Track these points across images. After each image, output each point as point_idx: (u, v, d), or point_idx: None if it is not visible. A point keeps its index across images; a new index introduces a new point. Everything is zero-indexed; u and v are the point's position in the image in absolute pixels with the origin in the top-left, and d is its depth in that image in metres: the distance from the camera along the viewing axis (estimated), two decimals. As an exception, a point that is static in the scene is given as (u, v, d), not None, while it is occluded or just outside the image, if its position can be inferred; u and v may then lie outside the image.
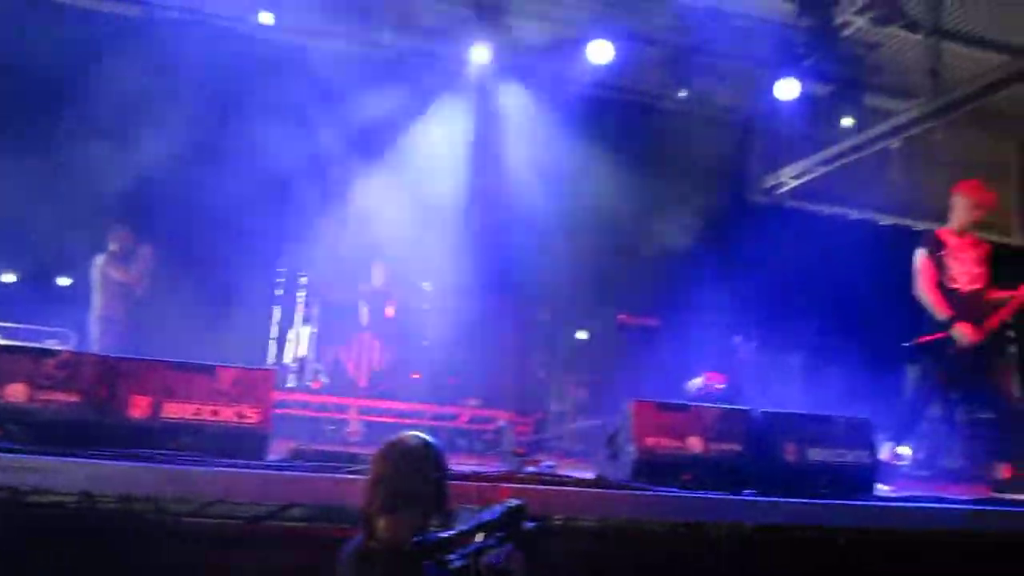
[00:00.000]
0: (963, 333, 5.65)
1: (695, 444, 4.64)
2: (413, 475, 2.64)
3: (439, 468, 2.71)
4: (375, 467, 2.69)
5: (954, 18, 9.14)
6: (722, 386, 8.19)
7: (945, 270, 5.88)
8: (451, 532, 2.70)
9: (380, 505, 2.60)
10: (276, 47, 8.51)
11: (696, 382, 8.35)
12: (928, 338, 5.88)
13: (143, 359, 4.16)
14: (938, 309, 5.79)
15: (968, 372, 5.81)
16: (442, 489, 2.70)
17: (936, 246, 5.94)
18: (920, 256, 5.96)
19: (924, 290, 5.89)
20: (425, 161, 9.11)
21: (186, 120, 7.79)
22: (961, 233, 6.01)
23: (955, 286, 5.86)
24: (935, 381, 5.99)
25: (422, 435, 2.77)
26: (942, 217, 11.09)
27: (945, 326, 5.73)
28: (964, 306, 5.78)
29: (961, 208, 6.03)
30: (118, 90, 7.68)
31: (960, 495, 5.56)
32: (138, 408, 3.93)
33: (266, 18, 8.56)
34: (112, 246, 8.11)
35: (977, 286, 5.88)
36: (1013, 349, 8.79)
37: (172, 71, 8.03)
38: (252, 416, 4.10)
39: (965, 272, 5.89)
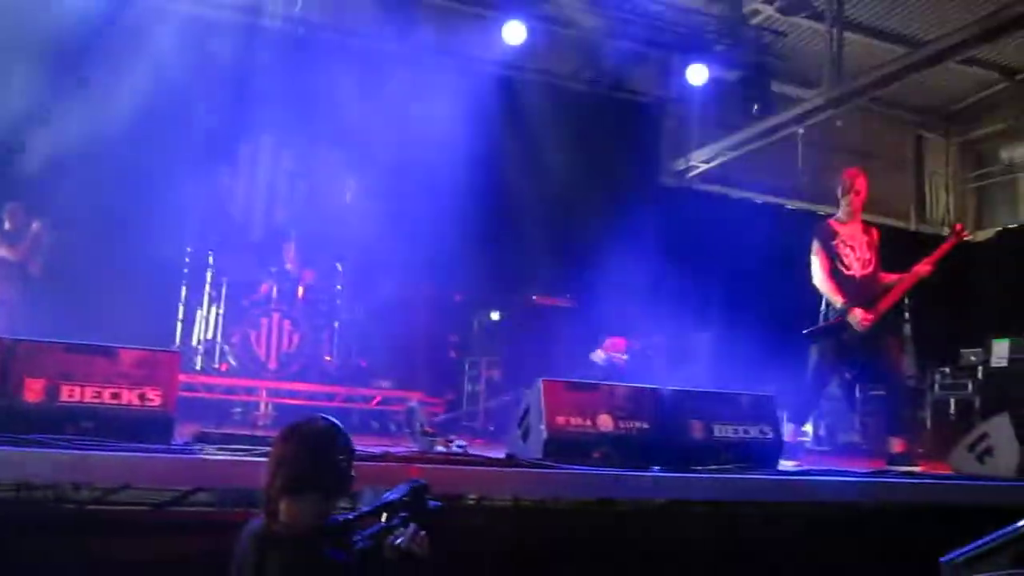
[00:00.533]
0: (858, 318, 5.86)
1: (605, 422, 4.70)
2: (316, 457, 2.60)
3: (343, 450, 2.67)
4: (277, 449, 2.64)
5: (856, 9, 9.43)
6: (624, 356, 8.30)
7: (838, 257, 6.09)
8: (354, 514, 2.67)
9: (282, 487, 2.55)
10: (184, 18, 8.24)
11: (599, 354, 8.46)
12: (825, 324, 6.09)
13: (38, 340, 4.00)
14: (834, 296, 6.00)
15: (863, 352, 6.04)
16: (346, 471, 2.66)
17: (829, 235, 6.15)
18: (814, 246, 6.16)
19: (820, 278, 6.10)
20: (339, 140, 8.97)
21: (89, 91, 7.49)
22: (849, 220, 6.23)
23: (849, 272, 6.08)
24: (832, 362, 6.20)
25: (326, 417, 2.74)
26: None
27: (842, 312, 5.93)
28: (858, 291, 6.00)
29: (847, 194, 6.24)
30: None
31: (856, 468, 5.80)
32: (33, 392, 3.77)
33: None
34: (7, 224, 7.82)
35: (869, 271, 6.11)
36: (908, 329, 9.19)
37: (71, 39, 7.72)
38: (155, 399, 3.98)
39: (857, 258, 6.11)
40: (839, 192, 6.29)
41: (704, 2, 9.79)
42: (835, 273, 6.06)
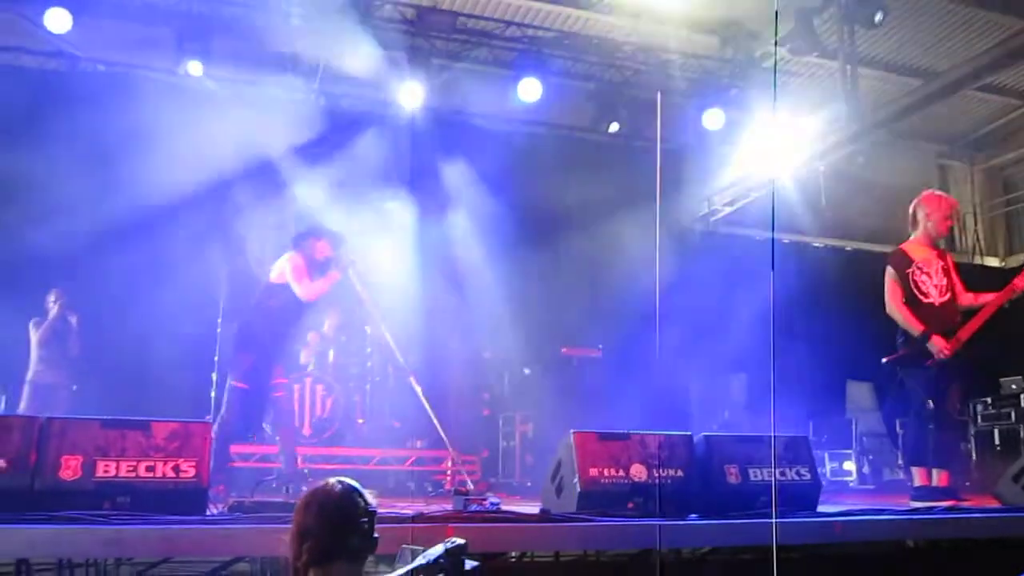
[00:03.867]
0: (938, 347, 5.74)
1: (639, 472, 4.67)
2: (338, 523, 2.58)
3: (364, 512, 2.65)
4: (297, 519, 2.60)
5: (868, 45, 9.47)
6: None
7: (915, 285, 5.95)
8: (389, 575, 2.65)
9: (309, 560, 2.53)
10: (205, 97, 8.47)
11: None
12: (902, 352, 5.96)
13: (72, 418, 4.07)
14: (911, 325, 5.85)
15: (945, 381, 5.89)
16: (369, 533, 2.65)
17: (904, 263, 6.03)
18: (888, 274, 6.03)
19: (894, 307, 5.96)
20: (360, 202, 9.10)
21: (114, 176, 7.67)
22: (924, 246, 6.10)
23: (928, 300, 5.93)
24: (924, 390, 5.99)
25: (342, 480, 2.73)
26: (871, 237, 11.46)
27: (921, 340, 5.80)
28: (937, 319, 5.87)
29: (929, 220, 6.11)
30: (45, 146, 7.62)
31: (897, 506, 5.68)
32: (69, 469, 3.83)
33: (195, 68, 8.54)
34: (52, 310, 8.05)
35: (947, 297, 5.96)
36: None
37: (101, 126, 7.96)
38: (189, 471, 4.03)
39: (935, 285, 5.96)
40: (918, 217, 6.14)
41: (717, 47, 9.90)
42: (911, 301, 5.92)
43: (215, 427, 6.04)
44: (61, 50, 8.56)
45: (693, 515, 4.49)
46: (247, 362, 6.14)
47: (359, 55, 8.67)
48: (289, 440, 6.65)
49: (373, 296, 6.79)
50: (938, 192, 6.31)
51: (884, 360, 6.06)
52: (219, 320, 8.39)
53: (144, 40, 8.51)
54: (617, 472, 4.63)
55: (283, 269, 6.22)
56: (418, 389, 6.84)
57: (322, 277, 6.28)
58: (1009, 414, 8.78)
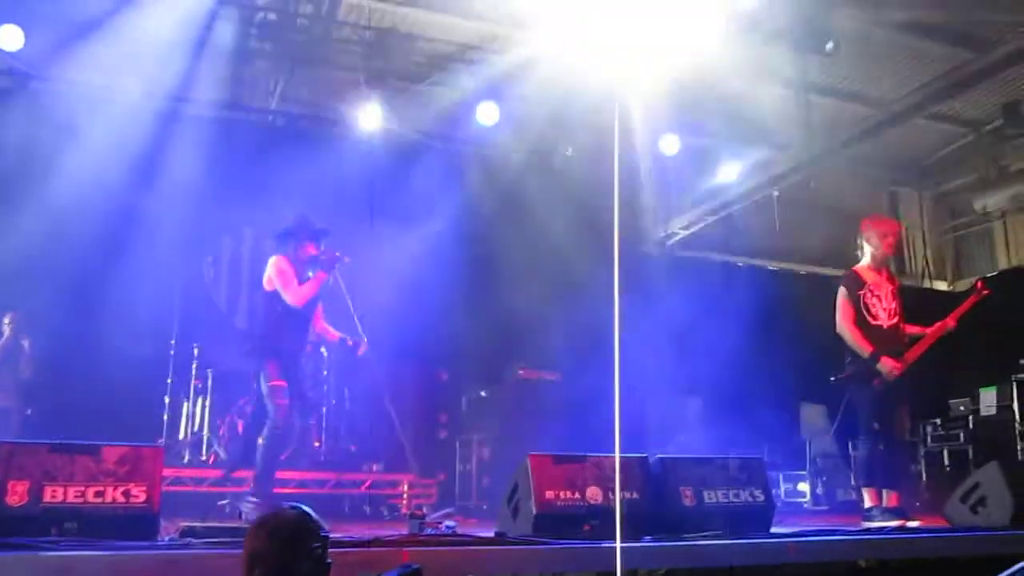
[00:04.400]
0: (888, 367, 5.86)
1: (594, 494, 4.68)
2: (290, 550, 2.56)
3: (317, 537, 2.63)
4: (248, 544, 2.58)
5: (819, 74, 9.66)
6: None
7: (866, 307, 6.09)
8: None
9: None
10: (159, 115, 8.39)
11: None
12: (849, 372, 6.07)
13: (19, 442, 4.01)
14: (860, 346, 5.97)
15: (890, 402, 6.01)
16: (322, 558, 2.62)
17: (856, 284, 6.15)
18: (840, 295, 6.15)
19: (845, 328, 6.08)
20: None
21: (65, 192, 7.58)
22: (875, 269, 6.25)
23: (876, 322, 6.07)
24: (867, 411, 6.09)
25: (296, 504, 2.71)
26: (824, 261, 11.67)
27: (870, 361, 5.91)
28: (886, 340, 5.99)
29: (874, 243, 6.27)
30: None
31: (849, 526, 5.76)
32: (15, 495, 3.75)
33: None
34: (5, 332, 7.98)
35: (895, 320, 6.11)
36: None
37: (54, 143, 7.87)
38: (140, 495, 3.96)
39: (884, 308, 6.11)
40: (866, 241, 6.29)
41: (672, 75, 10.02)
42: (861, 323, 6.05)
43: (263, 436, 5.83)
44: (12, 67, 8.43)
45: (648, 537, 4.51)
46: (276, 363, 5.91)
47: (317, 77, 8.68)
48: (275, 462, 6.24)
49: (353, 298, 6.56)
50: (880, 216, 6.47)
51: (832, 379, 6.19)
52: (172, 342, 8.32)
53: (99, 60, 8.41)
54: (573, 494, 4.64)
55: (269, 275, 6.01)
56: (391, 408, 6.74)
57: (309, 279, 6.06)
58: (958, 435, 8.96)
